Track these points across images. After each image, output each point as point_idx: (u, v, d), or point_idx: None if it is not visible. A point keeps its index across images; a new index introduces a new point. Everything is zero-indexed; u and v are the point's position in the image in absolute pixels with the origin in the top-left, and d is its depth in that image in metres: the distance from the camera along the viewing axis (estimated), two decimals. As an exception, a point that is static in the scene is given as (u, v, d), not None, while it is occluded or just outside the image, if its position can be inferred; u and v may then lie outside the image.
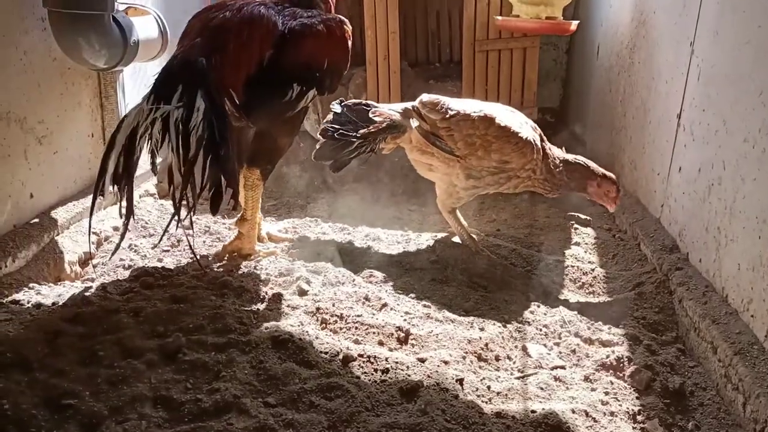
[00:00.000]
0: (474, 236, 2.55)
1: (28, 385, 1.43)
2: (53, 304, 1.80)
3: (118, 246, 1.94)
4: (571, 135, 3.90)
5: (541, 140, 2.39)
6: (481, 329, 1.92)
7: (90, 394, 1.43)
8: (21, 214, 2.13)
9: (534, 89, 3.53)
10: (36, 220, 2.17)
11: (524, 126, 2.37)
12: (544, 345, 1.90)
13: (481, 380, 1.68)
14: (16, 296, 1.83)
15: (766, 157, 1.69)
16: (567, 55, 4.18)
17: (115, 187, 1.81)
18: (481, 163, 2.33)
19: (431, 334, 1.84)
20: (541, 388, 1.68)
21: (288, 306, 1.91)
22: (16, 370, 1.48)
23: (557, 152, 2.41)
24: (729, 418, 1.61)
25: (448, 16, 3.80)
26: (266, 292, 1.97)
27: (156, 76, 1.92)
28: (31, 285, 1.93)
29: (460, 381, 1.64)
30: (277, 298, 1.94)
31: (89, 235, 1.98)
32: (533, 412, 1.54)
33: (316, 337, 1.72)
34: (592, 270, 2.37)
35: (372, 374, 1.64)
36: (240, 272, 2.11)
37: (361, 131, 2.37)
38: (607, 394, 1.69)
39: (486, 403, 1.59)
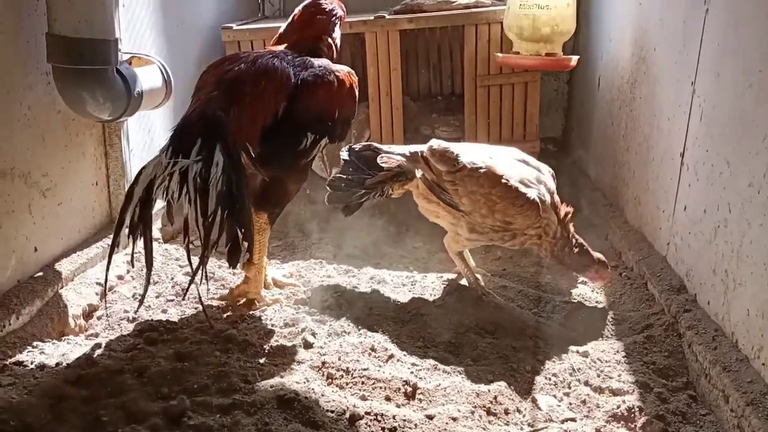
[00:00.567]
0: (480, 277, 2.54)
1: (32, 455, 1.42)
2: (57, 364, 1.79)
3: (141, 301, 1.97)
4: (575, 165, 3.90)
5: (555, 206, 2.35)
6: (490, 380, 1.90)
7: (94, 463, 1.42)
8: (25, 269, 2.13)
9: (536, 122, 3.54)
10: (40, 273, 2.17)
11: (536, 184, 2.32)
12: (554, 396, 1.88)
13: (491, 436, 1.66)
14: (20, 357, 1.82)
15: (772, 204, 1.68)
16: (568, 86, 4.20)
17: (131, 237, 1.82)
18: (485, 220, 2.31)
19: (439, 388, 1.82)
20: (552, 443, 1.65)
21: (293, 360, 1.89)
22: (19, 438, 1.46)
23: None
24: (744, 471, 1.58)
25: (449, 49, 3.82)
26: (271, 346, 1.96)
27: (174, 129, 1.95)
28: (34, 343, 1.92)
29: (469, 438, 1.62)
30: (282, 351, 1.93)
31: (105, 289, 1.99)
32: (544, 471, 1.51)
33: (322, 395, 1.70)
34: (600, 311, 2.35)
35: (379, 433, 1.61)
36: (244, 324, 2.10)
37: (368, 182, 2.36)
38: (619, 447, 1.66)
39: (496, 462, 1.56)
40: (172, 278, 2.52)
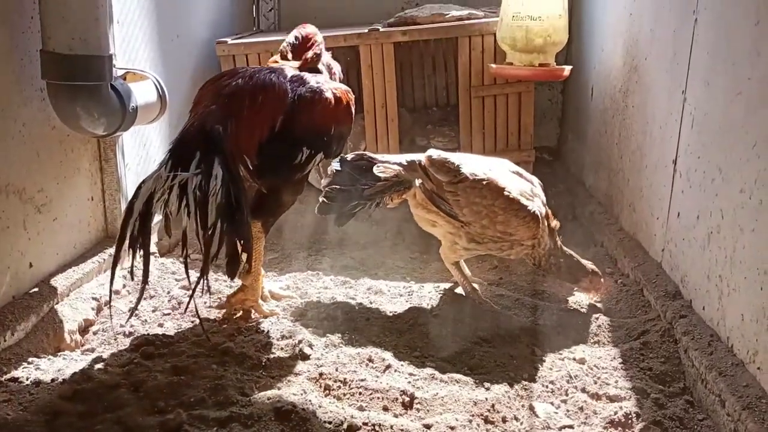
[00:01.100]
0: (476, 286, 2.54)
1: (28, 472, 1.41)
2: (53, 380, 1.79)
3: (132, 312, 2.00)
4: (570, 174, 3.92)
5: (547, 215, 2.38)
6: (487, 389, 1.90)
7: (90, 479, 1.41)
8: (20, 285, 2.13)
9: (530, 132, 3.56)
10: (35, 289, 2.17)
11: (532, 197, 2.35)
12: (551, 403, 1.88)
13: (489, 445, 1.66)
14: (15, 373, 1.82)
15: (764, 209, 1.70)
16: (562, 96, 4.23)
17: (131, 251, 1.84)
18: (485, 231, 2.32)
19: (436, 397, 1.82)
20: (550, 451, 1.65)
21: (290, 372, 1.89)
22: (15, 455, 1.46)
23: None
24: (742, 477, 1.58)
25: (444, 61, 3.85)
26: (268, 358, 1.95)
27: (172, 143, 1.97)
28: (30, 359, 1.91)
29: (467, 447, 1.62)
30: (279, 363, 1.93)
31: (110, 301, 2.01)
32: (542, 480, 1.51)
33: (320, 406, 1.70)
34: (597, 318, 2.35)
35: (377, 444, 1.61)
36: (241, 337, 2.10)
37: (367, 192, 2.36)
38: (617, 454, 1.66)
39: (494, 471, 1.56)
40: (169, 292, 2.52)
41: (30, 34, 2.15)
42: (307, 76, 2.22)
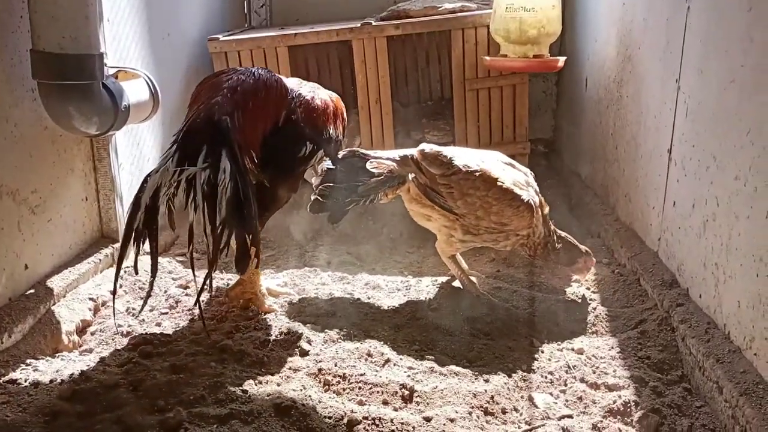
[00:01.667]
0: (474, 279, 2.54)
1: (28, 473, 1.41)
2: (51, 381, 1.78)
3: (144, 303, 2.01)
4: (566, 165, 3.92)
5: (541, 203, 2.39)
6: (486, 381, 1.90)
7: (91, 478, 1.41)
8: (16, 286, 2.12)
9: (525, 124, 3.55)
10: (32, 290, 2.16)
11: (526, 187, 2.36)
12: (550, 393, 1.88)
13: (489, 436, 1.66)
14: (13, 375, 1.81)
15: (758, 196, 1.70)
16: (556, 87, 4.23)
17: (137, 244, 1.83)
18: (480, 222, 2.32)
19: (436, 390, 1.82)
20: (550, 441, 1.66)
21: (290, 368, 1.89)
22: (14, 456, 1.45)
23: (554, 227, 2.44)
24: (740, 462, 1.59)
25: (437, 54, 3.83)
26: (267, 355, 1.95)
27: (178, 134, 1.95)
28: (28, 361, 1.90)
29: (467, 439, 1.62)
30: (278, 360, 1.93)
31: (113, 298, 2.01)
32: (543, 470, 1.51)
33: (320, 401, 1.70)
34: (594, 308, 2.36)
35: (377, 437, 1.61)
36: (239, 334, 2.09)
37: (361, 189, 2.35)
38: (616, 442, 1.67)
39: (494, 462, 1.56)
40: (166, 291, 2.51)
41: (20, 33, 2.14)
42: (302, 81, 2.33)
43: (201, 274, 2.71)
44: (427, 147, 2.41)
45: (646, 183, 2.59)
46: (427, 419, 1.68)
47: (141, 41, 2.88)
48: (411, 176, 2.39)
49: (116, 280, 1.93)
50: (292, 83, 2.28)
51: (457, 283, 2.55)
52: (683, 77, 2.21)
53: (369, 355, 1.99)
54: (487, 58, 3.30)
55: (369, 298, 2.46)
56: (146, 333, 2.12)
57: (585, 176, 3.56)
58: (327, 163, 2.43)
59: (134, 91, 2.45)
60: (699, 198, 2.07)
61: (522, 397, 1.86)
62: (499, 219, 2.30)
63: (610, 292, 2.49)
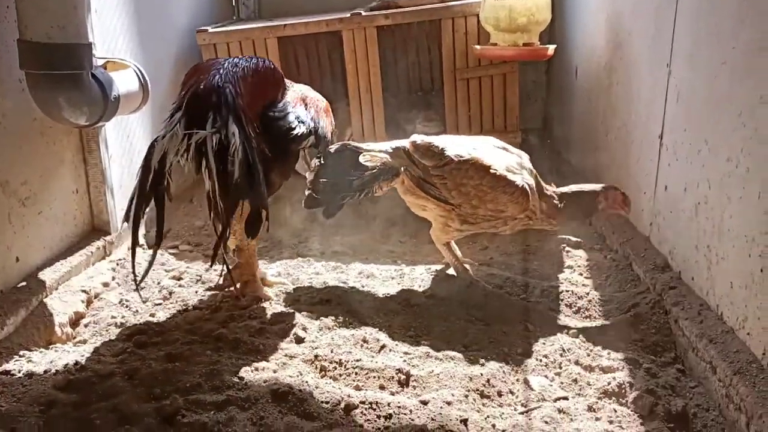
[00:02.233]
0: (468, 266, 2.54)
1: (24, 462, 1.40)
2: (45, 371, 1.77)
3: (147, 269, 2.02)
4: (556, 154, 3.93)
5: (536, 180, 2.36)
6: (482, 365, 1.91)
7: (88, 466, 1.40)
8: (7, 279, 2.10)
9: (516, 113, 3.56)
10: (23, 283, 2.14)
11: (519, 170, 2.33)
12: (546, 376, 1.89)
13: (486, 418, 1.67)
14: (7, 366, 1.80)
15: (751, 177, 1.71)
16: (546, 76, 4.24)
17: (145, 207, 1.83)
18: (476, 211, 2.31)
19: (432, 374, 1.82)
20: (546, 422, 1.66)
21: (286, 355, 1.89)
22: (10, 446, 1.44)
23: (553, 189, 2.38)
24: (734, 439, 1.61)
25: (427, 44, 3.83)
26: (262, 343, 1.95)
27: (181, 101, 1.93)
28: (21, 353, 1.89)
29: (464, 421, 1.62)
30: (274, 347, 1.92)
31: (133, 270, 1.93)
32: (540, 450, 1.52)
33: (316, 387, 1.70)
34: (587, 294, 2.37)
35: (375, 421, 1.62)
36: (234, 323, 2.09)
37: (356, 183, 2.33)
38: (611, 422, 1.68)
39: (492, 443, 1.57)
40: (159, 282, 2.50)
41: (6, 23, 2.11)
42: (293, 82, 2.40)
43: (195, 264, 2.72)
44: (419, 138, 2.39)
45: (637, 169, 2.60)
46: (424, 402, 1.68)
47: (129, 33, 2.85)
48: (404, 168, 2.38)
49: (134, 249, 1.86)
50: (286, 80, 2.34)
51: (451, 271, 2.55)
52: (674, 62, 2.22)
53: (365, 341, 1.99)
54: (478, 47, 3.30)
55: (363, 287, 2.46)
56: (141, 323, 2.10)
57: (576, 164, 3.58)
58: (318, 160, 2.42)
59: (124, 82, 2.43)
60: (691, 182, 2.08)
61: (517, 380, 1.87)
62: (495, 206, 2.30)
63: (603, 278, 2.50)
